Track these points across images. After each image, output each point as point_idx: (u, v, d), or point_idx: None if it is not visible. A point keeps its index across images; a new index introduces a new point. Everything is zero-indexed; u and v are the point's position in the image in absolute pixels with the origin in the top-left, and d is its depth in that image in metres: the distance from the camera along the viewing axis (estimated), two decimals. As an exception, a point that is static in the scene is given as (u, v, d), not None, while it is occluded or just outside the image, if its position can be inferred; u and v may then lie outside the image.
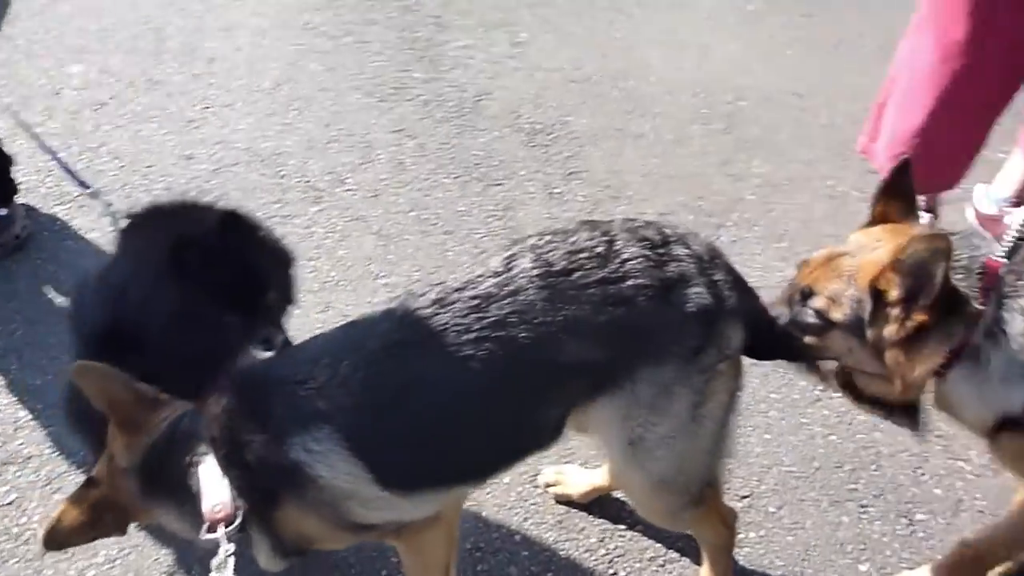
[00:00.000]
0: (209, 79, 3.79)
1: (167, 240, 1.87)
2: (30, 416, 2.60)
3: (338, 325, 1.73)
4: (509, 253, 1.63)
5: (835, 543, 2.25)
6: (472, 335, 1.54)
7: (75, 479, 2.44)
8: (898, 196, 1.83)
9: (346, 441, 1.55)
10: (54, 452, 2.51)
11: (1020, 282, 1.68)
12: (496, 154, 3.37)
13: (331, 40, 3.98)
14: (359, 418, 1.56)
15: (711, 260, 1.67)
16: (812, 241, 3.00)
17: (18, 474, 2.47)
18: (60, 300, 2.92)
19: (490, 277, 1.59)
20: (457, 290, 1.59)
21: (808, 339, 1.81)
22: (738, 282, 1.72)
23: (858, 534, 2.27)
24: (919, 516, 2.30)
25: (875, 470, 2.40)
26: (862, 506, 2.32)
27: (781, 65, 3.67)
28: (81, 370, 1.69)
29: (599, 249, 1.61)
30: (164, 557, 2.23)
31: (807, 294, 1.78)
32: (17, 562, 2.29)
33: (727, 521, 1.99)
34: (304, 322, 2.63)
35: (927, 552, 2.22)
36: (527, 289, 1.56)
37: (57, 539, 1.70)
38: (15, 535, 2.35)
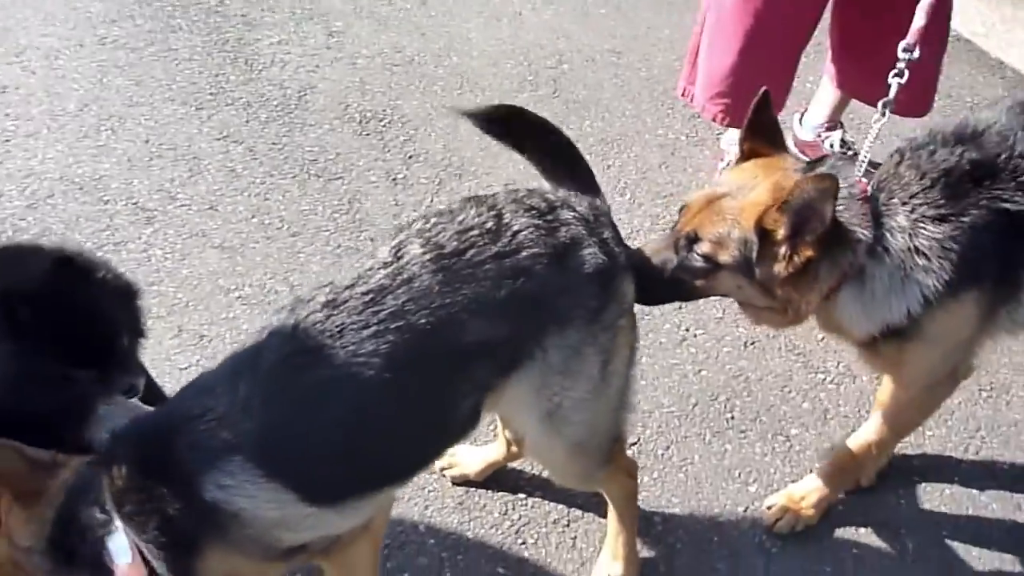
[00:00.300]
0: (5, 109, 3.50)
1: None
2: None
3: (227, 354, 1.63)
4: (396, 241, 1.60)
5: (723, 471, 2.37)
6: (370, 331, 1.50)
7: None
8: (763, 130, 1.90)
9: (260, 467, 1.47)
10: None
11: (892, 199, 1.79)
12: (331, 147, 3.29)
13: (134, 52, 3.76)
14: (269, 439, 1.48)
15: (596, 219, 1.70)
16: (652, 190, 3.12)
17: None
18: None
19: (380, 269, 1.55)
20: (348, 287, 1.54)
21: (698, 282, 1.87)
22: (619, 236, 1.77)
23: (742, 459, 2.39)
24: (793, 431, 2.45)
25: (747, 396, 2.53)
26: (741, 432, 2.45)
27: (596, 26, 3.76)
28: None
29: (489, 224, 1.60)
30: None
31: (692, 239, 1.83)
32: None
33: (631, 472, 2.05)
34: (158, 350, 2.50)
35: (806, 464, 2.38)
36: (421, 276, 1.53)
37: None
38: None
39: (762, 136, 1.90)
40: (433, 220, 1.62)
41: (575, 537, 2.24)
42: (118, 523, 1.50)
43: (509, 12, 3.84)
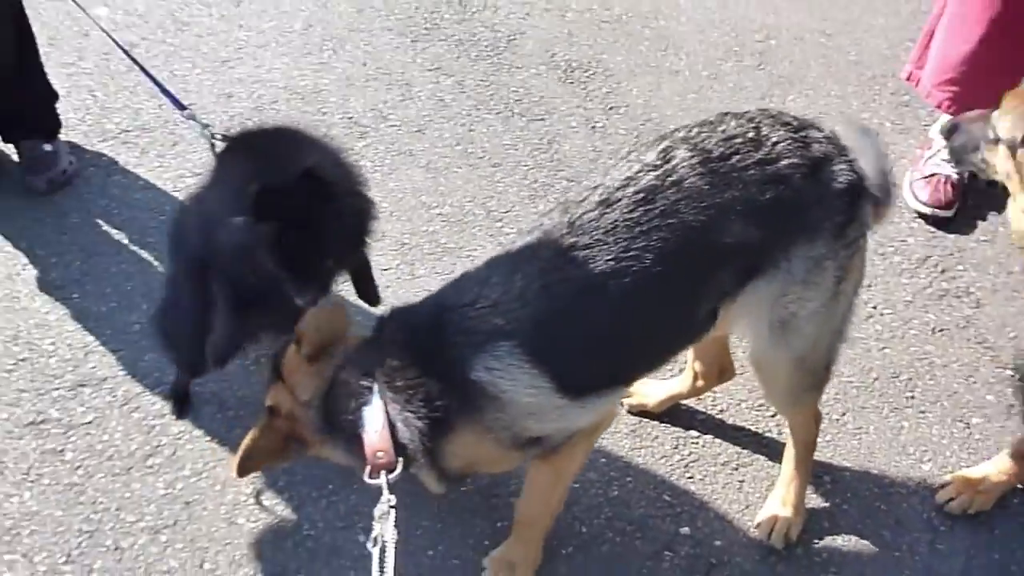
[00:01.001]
0: (238, 21, 3.78)
1: (251, 180, 1.83)
2: (98, 341, 2.64)
3: (496, 252, 1.76)
4: (662, 146, 1.69)
5: (897, 446, 2.37)
6: (643, 227, 1.60)
7: (151, 399, 2.50)
8: None
9: (528, 354, 1.59)
10: (127, 374, 2.55)
11: None
12: (535, 90, 3.42)
13: (357, -18, 3.98)
14: (539, 328, 1.60)
15: (839, 142, 1.77)
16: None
17: (94, 395, 2.51)
18: (114, 233, 2.94)
19: (649, 171, 1.65)
20: (619, 188, 1.65)
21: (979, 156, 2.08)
22: None
23: (918, 438, 2.39)
24: (975, 420, 2.43)
25: (930, 380, 2.52)
26: (920, 412, 2.45)
27: (807, 5, 3.75)
28: (325, 315, 1.77)
29: (750, 134, 1.69)
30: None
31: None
32: (103, 476, 2.34)
33: (818, 419, 2.10)
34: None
35: (984, 453, 2.35)
36: (689, 177, 1.63)
37: (248, 466, 1.79)
38: (99, 451, 2.39)
39: None
40: (696, 129, 1.71)
41: (743, 481, 2.30)
42: (376, 395, 1.65)
43: (720, -16, 3.87)
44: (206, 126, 2.16)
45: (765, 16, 3.70)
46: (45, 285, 2.79)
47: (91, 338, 2.64)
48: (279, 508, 2.25)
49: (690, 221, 1.62)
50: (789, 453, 2.14)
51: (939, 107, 2.79)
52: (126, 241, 2.91)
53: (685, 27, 3.67)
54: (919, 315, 2.66)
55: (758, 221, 1.66)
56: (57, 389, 2.52)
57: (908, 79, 2.90)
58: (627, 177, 1.66)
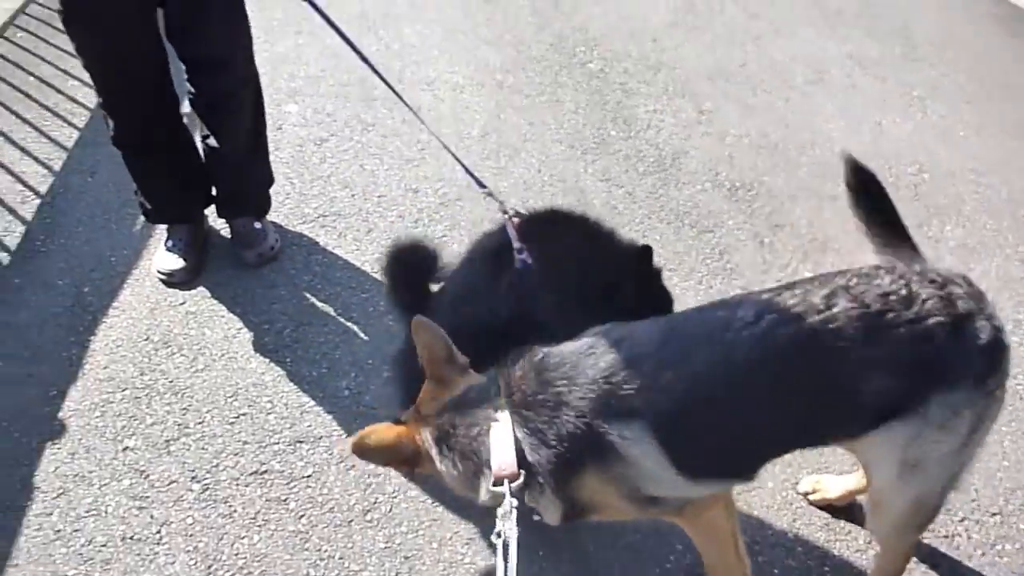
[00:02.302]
0: (419, 125, 4.10)
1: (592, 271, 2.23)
2: (313, 402, 2.84)
3: (662, 326, 1.90)
4: (826, 292, 1.82)
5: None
6: (791, 356, 1.79)
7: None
8: None
9: (658, 437, 1.77)
10: (342, 434, 2.74)
11: None
12: (702, 205, 3.66)
13: (527, 98, 4.33)
14: (674, 421, 1.79)
15: (980, 296, 1.86)
16: (1015, 299, 3.24)
17: (311, 451, 2.69)
18: (320, 305, 3.19)
19: (814, 314, 1.79)
20: (782, 323, 1.79)
21: None
22: None
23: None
24: None
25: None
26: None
27: (955, 144, 3.98)
28: (418, 323, 1.94)
29: (903, 292, 1.80)
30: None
31: None
32: (326, 527, 2.49)
33: (909, 556, 2.27)
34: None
35: None
36: (848, 327, 1.77)
37: (362, 447, 1.92)
38: (320, 503, 2.56)
39: None
40: (854, 279, 1.84)
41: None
42: (504, 422, 1.82)
43: (870, 121, 4.13)
44: (502, 203, 2.39)
45: (916, 153, 3.92)
46: (260, 348, 3.02)
47: (305, 399, 2.85)
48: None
49: (836, 365, 1.78)
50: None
51: None
52: (332, 313, 3.15)
53: (839, 157, 3.90)
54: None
55: (902, 373, 1.79)
56: (277, 443, 2.71)
57: None
58: (794, 313, 1.81)
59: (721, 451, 1.87)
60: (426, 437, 1.92)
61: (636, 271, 2.33)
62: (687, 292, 3.26)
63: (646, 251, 2.37)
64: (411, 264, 2.45)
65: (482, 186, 2.49)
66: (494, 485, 1.78)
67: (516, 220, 2.34)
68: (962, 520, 2.51)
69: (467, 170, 2.58)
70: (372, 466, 2.64)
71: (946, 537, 2.47)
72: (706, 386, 1.79)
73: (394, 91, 2.71)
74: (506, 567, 1.60)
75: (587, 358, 1.84)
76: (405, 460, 1.96)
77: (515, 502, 1.73)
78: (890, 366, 1.77)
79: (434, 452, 1.91)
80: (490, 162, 3.91)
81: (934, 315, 1.78)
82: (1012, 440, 2.73)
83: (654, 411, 1.77)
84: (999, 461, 2.66)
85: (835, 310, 1.78)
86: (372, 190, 3.74)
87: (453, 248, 3.44)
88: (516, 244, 2.27)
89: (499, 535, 1.68)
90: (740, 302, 1.87)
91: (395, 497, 2.56)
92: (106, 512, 2.52)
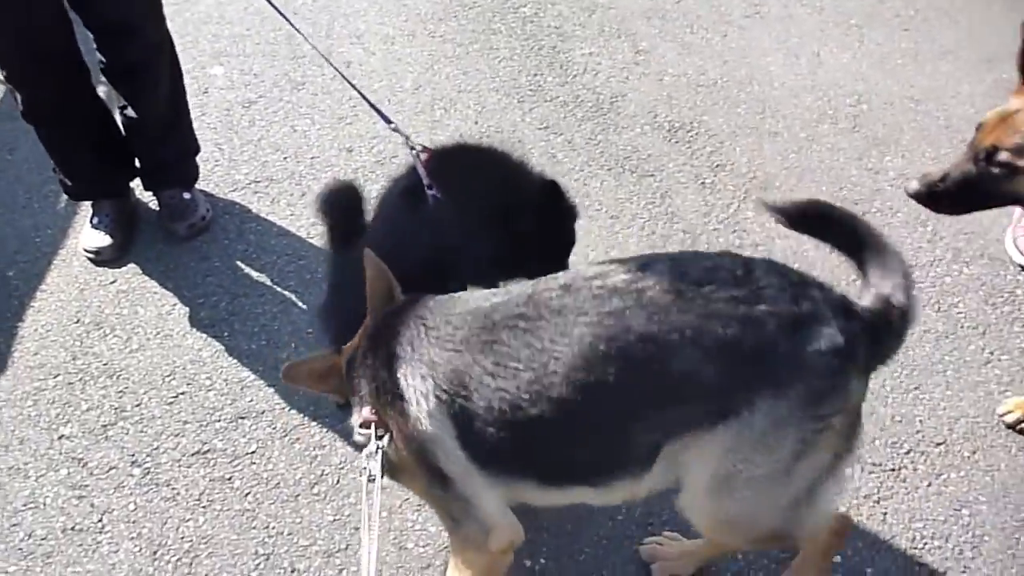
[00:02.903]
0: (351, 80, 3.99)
1: (497, 199, 2.18)
2: (253, 376, 2.78)
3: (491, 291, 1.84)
4: (649, 256, 1.69)
5: (1031, 483, 2.47)
6: (586, 319, 1.58)
7: (309, 431, 2.62)
8: None
9: (442, 395, 1.67)
10: (284, 408, 2.68)
11: None
12: (642, 148, 3.60)
13: (460, 47, 4.21)
14: (461, 380, 1.66)
15: (848, 310, 1.62)
16: (954, 227, 3.24)
17: (254, 427, 2.64)
18: (256, 275, 3.10)
19: (622, 273, 1.61)
20: (587, 279, 1.64)
21: (998, 188, 2.15)
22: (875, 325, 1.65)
23: (1050, 475, 2.49)
24: (1102, 458, 2.53)
25: (1056, 421, 2.62)
26: (1048, 451, 2.55)
27: (892, 72, 3.94)
28: (367, 258, 1.92)
29: (738, 271, 1.60)
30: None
31: (991, 151, 2.12)
32: (272, 503, 2.45)
33: (839, 531, 2.03)
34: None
35: (1116, 489, 2.44)
36: (653, 288, 1.57)
37: (292, 374, 1.91)
38: (266, 480, 2.51)
39: None
40: (691, 254, 1.72)
41: (886, 513, 2.39)
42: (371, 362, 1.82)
43: (807, 52, 4.07)
44: (407, 138, 2.35)
45: (855, 83, 3.89)
46: (196, 323, 2.94)
47: (246, 373, 2.78)
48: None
49: (634, 332, 1.55)
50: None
51: None
52: (269, 283, 3.07)
53: (778, 92, 3.86)
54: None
55: (716, 358, 1.54)
56: (218, 421, 2.65)
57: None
58: (600, 271, 1.64)
59: (511, 432, 1.65)
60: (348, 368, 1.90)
61: (540, 205, 2.28)
62: (630, 239, 3.22)
63: (551, 186, 2.34)
64: (344, 207, 2.42)
65: (388, 122, 2.43)
66: (361, 427, 1.80)
67: (424, 156, 2.31)
68: (908, 452, 2.53)
69: (372, 105, 2.53)
70: (317, 438, 2.60)
71: (892, 471, 2.49)
72: (499, 347, 1.64)
73: (317, 49, 2.63)
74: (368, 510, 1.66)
75: (427, 307, 1.81)
76: (334, 388, 1.94)
77: (383, 443, 1.74)
78: (700, 341, 1.54)
79: (350, 383, 1.89)
80: (424, 115, 3.81)
81: (767, 302, 1.55)
82: (954, 369, 2.75)
83: (446, 368, 1.69)
84: (942, 391, 2.69)
85: (646, 272, 1.60)
86: (305, 152, 3.63)
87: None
88: (425, 180, 2.23)
89: (364, 472, 1.72)
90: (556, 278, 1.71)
91: (342, 468, 2.52)
92: (44, 504, 2.46)
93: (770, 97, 3.84)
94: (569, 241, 2.47)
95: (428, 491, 1.86)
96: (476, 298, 1.79)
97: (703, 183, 3.44)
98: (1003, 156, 2.10)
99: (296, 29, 2.60)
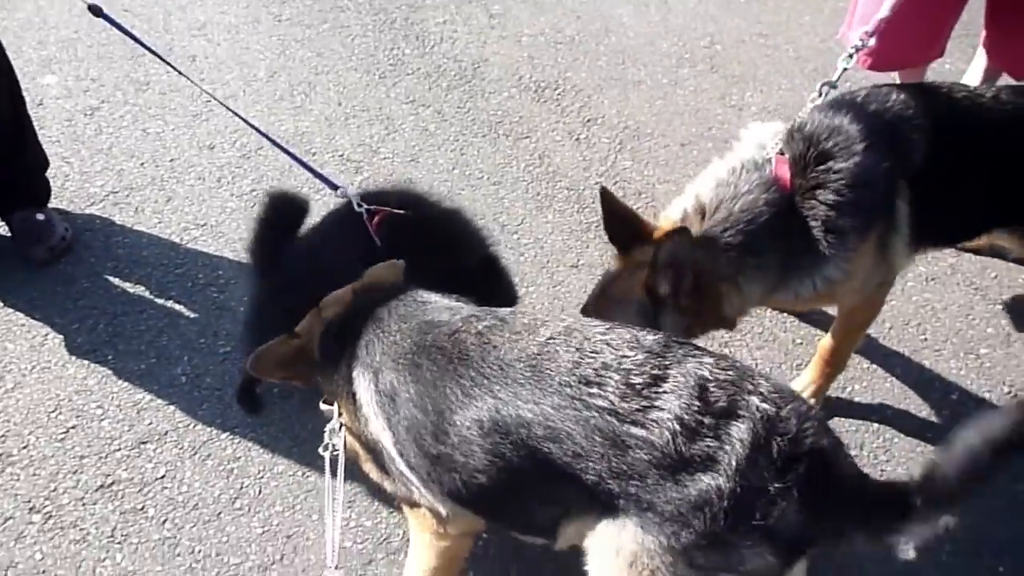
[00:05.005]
0: (199, 75, 3.79)
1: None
2: (149, 397, 2.62)
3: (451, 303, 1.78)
4: (560, 328, 1.56)
5: (923, 382, 2.63)
6: (485, 387, 1.53)
7: (220, 444, 2.50)
8: (619, 219, 2.05)
9: (383, 403, 1.66)
10: (188, 425, 2.55)
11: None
12: (513, 111, 3.58)
13: (310, 28, 4.06)
14: (393, 394, 1.65)
15: (784, 467, 1.38)
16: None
17: (159, 450, 2.49)
18: (132, 290, 2.92)
19: (532, 345, 1.54)
20: (509, 333, 1.58)
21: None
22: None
23: (940, 372, 2.65)
24: (982, 351, 2.71)
25: (936, 322, 2.79)
26: (936, 351, 2.71)
27: (741, 12, 4.07)
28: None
29: (636, 379, 1.44)
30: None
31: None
32: (194, 526, 2.33)
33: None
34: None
35: (998, 377, 2.63)
36: (548, 371, 1.49)
37: (262, 365, 1.83)
38: (182, 503, 2.38)
39: (623, 230, 2.05)
40: (609, 327, 1.54)
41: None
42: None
43: (654, 0, 4.15)
44: (359, 202, 2.20)
45: (705, 24, 3.99)
46: (75, 351, 2.74)
47: (140, 395, 2.62)
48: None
49: (525, 419, 1.49)
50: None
51: (860, 64, 2.82)
52: (149, 296, 2.89)
53: (635, 41, 3.91)
54: (912, 269, 2.94)
55: (595, 457, 1.43)
56: (119, 450, 2.49)
57: (841, 39, 3.01)
58: (521, 326, 1.59)
59: (428, 468, 1.64)
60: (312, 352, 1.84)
61: (477, 278, 2.21)
62: (515, 203, 3.21)
63: (488, 262, 2.31)
64: (286, 218, 2.32)
65: (334, 188, 2.26)
66: (324, 403, 1.81)
67: (375, 219, 2.19)
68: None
69: (311, 170, 2.35)
70: (230, 451, 2.48)
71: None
72: (420, 398, 1.61)
73: (156, 54, 2.40)
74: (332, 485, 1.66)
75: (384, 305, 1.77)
76: (301, 375, 1.87)
77: (344, 419, 1.75)
78: (567, 441, 1.45)
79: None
80: (285, 103, 3.66)
81: (647, 426, 1.40)
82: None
83: (385, 389, 1.67)
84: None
85: (549, 350, 1.52)
86: (162, 155, 3.43)
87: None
88: (376, 239, 2.15)
89: (327, 447, 1.73)
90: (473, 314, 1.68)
91: (262, 478, 2.42)
92: (-63, 570, 2.25)
93: (628, 47, 3.89)
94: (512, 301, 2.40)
95: (380, 481, 1.85)
96: (437, 308, 1.74)
97: (577, 139, 3.46)
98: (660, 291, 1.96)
99: (127, 32, 2.39)
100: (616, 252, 2.08)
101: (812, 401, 2.50)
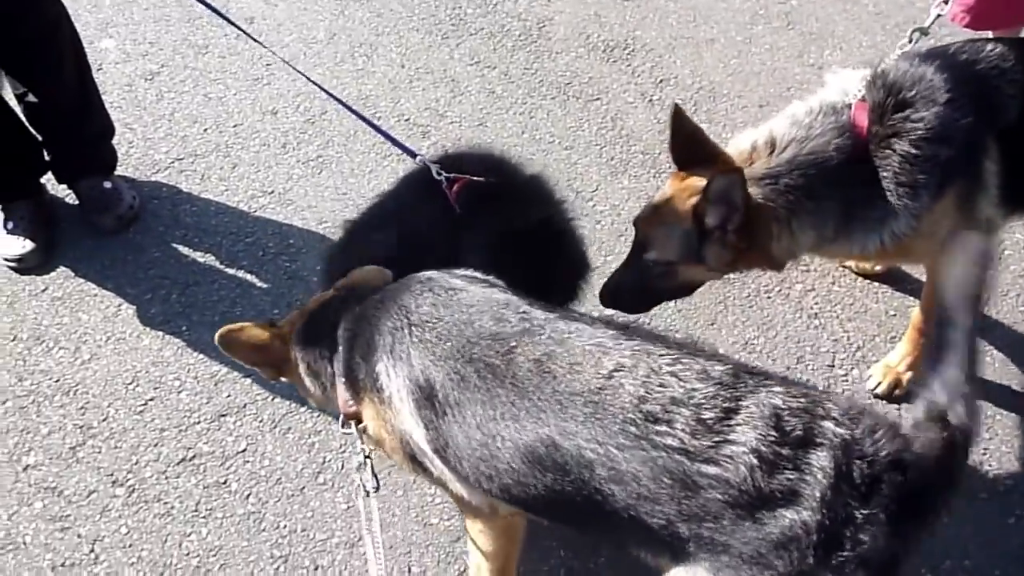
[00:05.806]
0: (259, 37, 3.70)
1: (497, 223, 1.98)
2: (225, 369, 2.58)
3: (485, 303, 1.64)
4: (624, 361, 1.44)
5: None
6: (538, 418, 1.44)
7: (299, 417, 2.46)
8: (686, 138, 1.99)
9: (418, 398, 1.56)
10: (268, 397, 2.51)
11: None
12: (582, 72, 3.47)
13: (368, -12, 3.95)
14: (431, 393, 1.55)
15: (868, 492, 1.31)
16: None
17: (239, 423, 2.46)
18: (202, 260, 2.87)
19: (594, 377, 1.44)
20: (565, 364, 1.47)
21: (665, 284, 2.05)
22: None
23: None
24: None
25: None
26: None
27: (813, -35, 3.91)
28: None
29: (707, 414, 1.35)
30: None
31: (643, 248, 2.01)
32: (278, 501, 2.30)
33: None
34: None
35: None
36: (616, 407, 1.40)
37: (228, 341, 1.78)
38: (264, 477, 2.35)
39: (688, 150, 1.98)
40: (676, 356, 1.44)
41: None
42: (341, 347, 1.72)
43: (724, -48, 3.98)
44: (436, 164, 2.10)
45: (781, -20, 3.83)
46: (148, 322, 2.71)
47: (216, 367, 2.58)
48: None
49: (582, 460, 1.42)
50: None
51: (954, 20, 2.68)
52: (220, 266, 2.85)
53: (704, -2, 3.77)
54: (1008, 236, 2.81)
55: (649, 504, 1.38)
56: (199, 423, 2.46)
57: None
58: (575, 361, 1.47)
59: (475, 474, 1.56)
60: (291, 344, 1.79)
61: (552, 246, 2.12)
62: (589, 168, 3.11)
63: (564, 232, 2.18)
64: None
65: (413, 155, 2.17)
66: (343, 425, 1.70)
67: (455, 187, 2.09)
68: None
69: (389, 138, 2.26)
70: (310, 424, 2.45)
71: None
72: (466, 415, 1.52)
73: (218, 12, 2.32)
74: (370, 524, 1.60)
75: (409, 297, 1.66)
76: (272, 363, 1.83)
77: (368, 450, 1.67)
78: (631, 482, 1.38)
79: (297, 358, 1.79)
80: (346, 65, 3.57)
81: (721, 464, 1.32)
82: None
83: (421, 385, 1.58)
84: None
85: (613, 384, 1.42)
86: (225, 120, 3.36)
87: (332, 168, 3.16)
88: (455, 207, 2.05)
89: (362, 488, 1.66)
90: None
91: (343, 452, 2.38)
92: (24, 543, 2.24)
93: (699, 4, 3.74)
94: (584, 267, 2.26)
95: (402, 467, 1.77)
96: (467, 307, 1.61)
97: (650, 100, 3.34)
98: (652, 255, 1.99)
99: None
100: (676, 171, 2.02)
101: (909, 375, 2.41)
